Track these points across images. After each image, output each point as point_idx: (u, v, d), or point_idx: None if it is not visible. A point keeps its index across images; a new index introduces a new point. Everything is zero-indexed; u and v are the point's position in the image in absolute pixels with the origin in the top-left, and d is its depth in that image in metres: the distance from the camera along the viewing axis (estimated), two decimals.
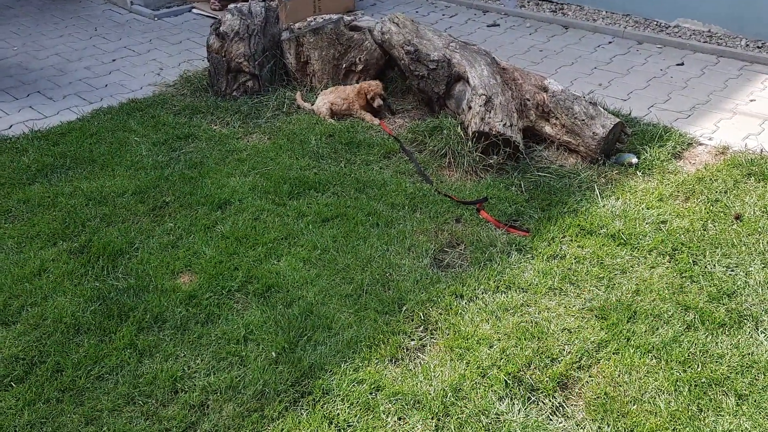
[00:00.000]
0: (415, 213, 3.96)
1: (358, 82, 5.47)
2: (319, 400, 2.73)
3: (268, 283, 3.32)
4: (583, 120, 4.50)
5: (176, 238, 3.65)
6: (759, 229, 3.74)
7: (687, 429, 2.63)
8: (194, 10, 7.60)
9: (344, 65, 5.48)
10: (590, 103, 4.58)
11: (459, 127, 4.65)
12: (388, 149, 4.65)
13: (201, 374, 2.83)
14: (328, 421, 2.65)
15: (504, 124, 4.40)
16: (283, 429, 2.62)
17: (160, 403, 2.70)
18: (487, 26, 7.21)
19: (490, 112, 4.47)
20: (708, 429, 2.63)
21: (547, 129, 4.67)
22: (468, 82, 4.76)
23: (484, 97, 4.54)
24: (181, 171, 4.29)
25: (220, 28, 5.33)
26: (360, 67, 5.45)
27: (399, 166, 4.50)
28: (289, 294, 3.26)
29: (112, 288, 3.27)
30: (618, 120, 4.53)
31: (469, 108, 4.60)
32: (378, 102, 5.09)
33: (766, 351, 2.97)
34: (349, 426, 2.65)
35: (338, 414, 2.68)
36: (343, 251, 3.58)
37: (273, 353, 2.92)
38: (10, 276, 3.33)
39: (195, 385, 2.77)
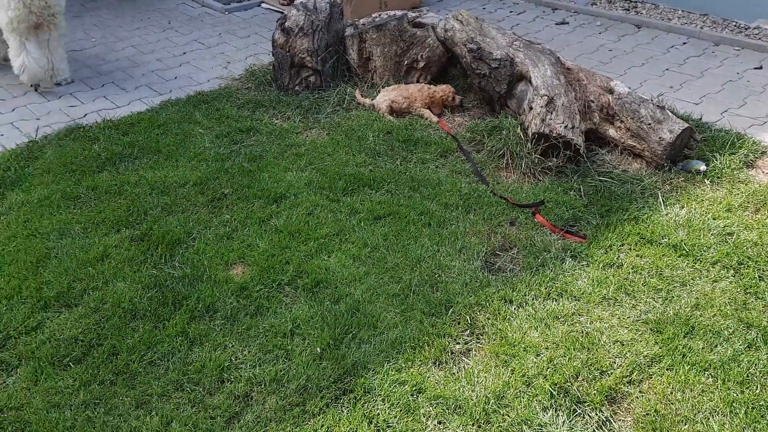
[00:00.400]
0: (468, 214, 3.92)
1: (419, 80, 5.45)
2: (360, 399, 2.75)
3: (318, 278, 3.35)
4: (650, 124, 4.33)
5: (232, 230, 3.73)
6: None
7: None
8: (263, 5, 7.74)
9: (406, 62, 5.46)
10: (658, 106, 4.41)
11: (519, 128, 4.56)
12: (446, 148, 4.61)
13: (247, 365, 2.89)
14: (368, 421, 2.66)
15: (565, 126, 4.30)
16: (323, 425, 2.64)
17: (206, 391, 2.78)
18: (556, 24, 7.05)
19: (551, 113, 4.37)
20: None
21: (611, 132, 4.53)
22: (530, 81, 4.66)
23: (545, 97, 4.44)
24: (241, 164, 4.38)
25: (285, 24, 5.41)
26: (422, 64, 5.42)
27: (455, 165, 4.45)
28: (337, 290, 3.29)
29: (169, 276, 3.37)
30: (687, 125, 4.34)
31: (530, 108, 4.51)
32: (459, 100, 5.13)
33: None
34: (388, 426, 2.65)
35: (378, 414, 2.69)
36: (394, 250, 3.58)
37: (318, 349, 2.95)
38: (75, 260, 3.48)
39: (241, 375, 2.84)
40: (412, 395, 2.77)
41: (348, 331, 3.05)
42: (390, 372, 2.85)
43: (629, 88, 4.56)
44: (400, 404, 2.73)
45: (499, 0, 7.82)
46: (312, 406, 2.71)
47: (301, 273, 3.41)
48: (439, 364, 2.93)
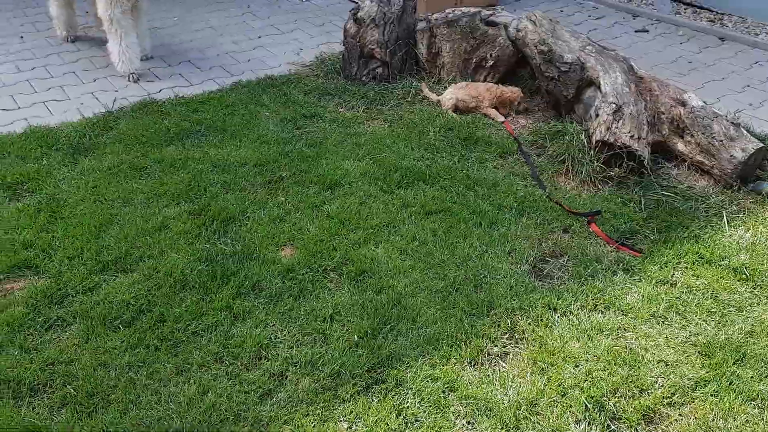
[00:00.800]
0: (521, 217, 3.87)
1: (486, 79, 5.40)
2: (391, 390, 2.76)
3: (363, 267, 3.38)
4: (721, 141, 4.16)
5: (285, 212, 3.81)
6: None
7: None
8: None
9: (474, 60, 5.42)
10: (732, 123, 4.23)
11: (583, 134, 4.46)
12: (506, 149, 4.56)
13: (285, 345, 2.95)
14: (396, 412, 2.67)
15: (631, 136, 4.18)
16: (352, 411, 2.67)
17: (244, 366, 2.85)
18: (635, 31, 6.84)
19: (618, 121, 4.26)
20: None
21: (680, 146, 4.37)
22: (599, 88, 4.55)
23: (613, 105, 4.32)
24: (301, 149, 4.45)
25: (358, 14, 5.46)
26: (490, 63, 5.37)
27: (514, 167, 4.40)
28: (380, 281, 3.31)
29: (220, 251, 3.47)
30: (762, 145, 4.15)
31: (597, 115, 4.40)
32: (509, 110, 5.04)
33: None
34: (417, 420, 2.66)
35: (408, 407, 2.70)
36: (441, 246, 3.57)
37: (355, 336, 2.99)
38: (135, 228, 3.63)
39: (278, 354, 2.90)
40: (444, 392, 2.77)
41: (387, 323, 3.07)
42: (424, 367, 2.86)
43: (703, 102, 4.39)
44: (430, 400, 2.73)
45: (577, 3, 7.65)
46: (343, 392, 2.74)
47: (347, 260, 3.45)
48: (474, 365, 2.92)
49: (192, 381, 2.77)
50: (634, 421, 2.67)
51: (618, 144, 4.17)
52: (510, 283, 3.35)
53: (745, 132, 4.21)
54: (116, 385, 2.74)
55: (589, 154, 4.32)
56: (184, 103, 5.10)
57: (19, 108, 5.00)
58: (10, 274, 3.32)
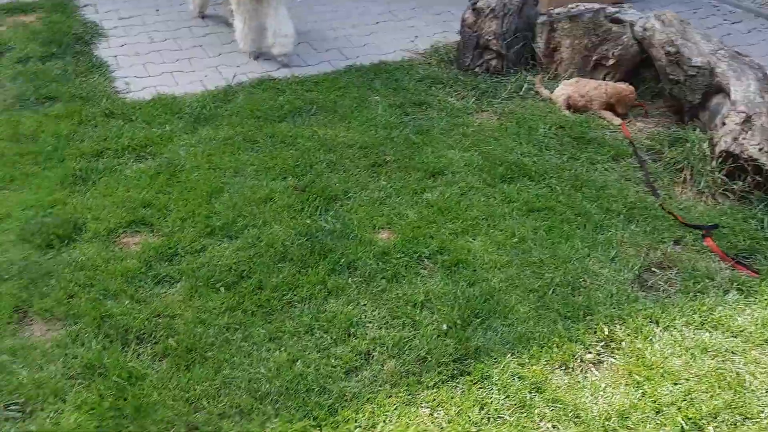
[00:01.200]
0: (630, 224, 3.70)
1: (605, 77, 5.19)
2: (476, 383, 2.73)
3: (458, 258, 3.35)
4: None
5: (386, 196, 3.83)
6: None
7: None
8: None
9: (594, 57, 5.21)
10: None
11: (706, 143, 4.20)
12: (619, 152, 4.37)
13: (374, 326, 2.98)
14: (479, 406, 2.64)
15: (760, 149, 3.88)
16: (435, 399, 2.66)
17: (333, 341, 2.91)
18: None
19: (746, 132, 3.97)
20: None
21: None
22: (728, 95, 4.26)
23: (743, 114, 4.03)
24: (408, 135, 4.47)
25: (477, 3, 5.39)
26: (611, 62, 5.14)
27: (626, 171, 4.21)
28: (475, 273, 3.27)
29: (320, 228, 3.55)
30: None
31: (723, 124, 4.12)
32: (623, 110, 4.80)
33: None
34: (499, 417, 2.61)
35: (492, 402, 2.66)
36: (541, 245, 3.48)
37: (444, 325, 2.97)
38: (243, 198, 3.78)
39: (366, 334, 2.93)
40: (530, 393, 2.70)
41: (477, 315, 3.03)
42: (511, 364, 2.80)
43: None
44: (516, 398, 2.68)
45: (713, 6, 7.18)
46: (428, 379, 2.74)
47: (443, 249, 3.43)
48: (564, 369, 2.83)
49: (283, 349, 2.85)
50: None
51: (744, 156, 3.89)
52: (611, 291, 3.22)
53: None
54: (213, 343, 2.87)
55: (710, 164, 4.06)
56: (299, 82, 5.23)
57: (149, 76, 5.31)
58: (128, 229, 3.55)
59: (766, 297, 3.21)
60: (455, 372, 2.78)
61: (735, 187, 3.93)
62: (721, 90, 4.37)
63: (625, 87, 4.89)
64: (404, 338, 2.91)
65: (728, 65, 4.39)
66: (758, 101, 4.11)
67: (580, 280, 3.28)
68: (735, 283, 3.29)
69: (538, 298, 3.15)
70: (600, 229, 3.64)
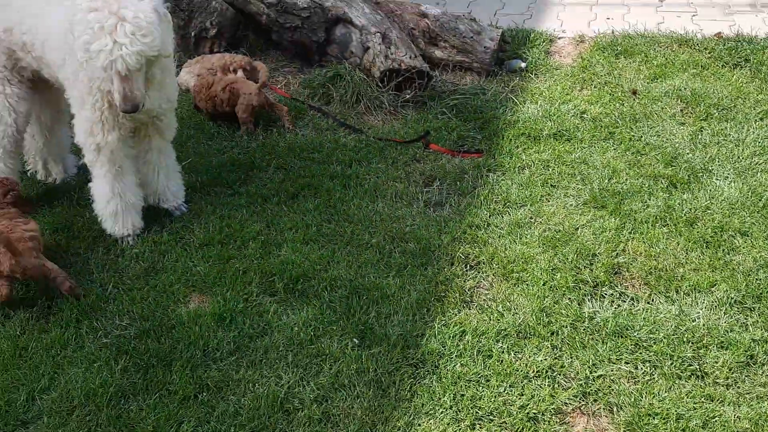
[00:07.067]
0: (376, 163, 3.86)
1: (212, 50, 4.98)
2: None
3: None
4: (472, 37, 4.67)
5: None
6: (656, 98, 4.32)
7: None
8: None
9: (193, 33, 4.93)
10: (471, 20, 4.76)
11: (356, 71, 4.53)
12: (298, 111, 4.39)
13: None
14: None
15: (411, 57, 4.40)
16: None
17: None
18: None
19: (390, 47, 4.43)
20: None
21: (438, 53, 4.76)
22: (352, 23, 4.62)
23: (378, 35, 4.47)
24: None
25: None
26: (213, 32, 4.95)
27: (317, 123, 4.29)
28: None
29: None
30: (501, 30, 4.79)
31: (366, 49, 4.50)
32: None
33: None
34: None
35: None
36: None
37: None
38: None
39: None
40: None
41: None
42: None
43: (441, 9, 4.81)
44: None
45: None
46: None
47: None
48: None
49: None
50: None
51: (403, 68, 4.36)
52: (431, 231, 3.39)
53: (484, 24, 4.79)
54: None
55: (377, 87, 4.43)
56: None
57: None
58: None
59: (507, 167, 3.80)
60: None
61: (408, 96, 4.40)
62: (340, 20, 4.69)
63: (237, 56, 4.68)
64: None
65: None
66: (380, 19, 4.59)
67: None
68: (481, 168, 3.80)
69: None
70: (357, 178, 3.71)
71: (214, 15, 4.91)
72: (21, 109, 3.38)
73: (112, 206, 3.22)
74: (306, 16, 4.70)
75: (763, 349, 2.66)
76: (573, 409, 2.50)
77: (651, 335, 2.74)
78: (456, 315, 2.88)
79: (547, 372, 2.62)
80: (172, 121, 3.39)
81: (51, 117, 3.67)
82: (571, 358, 2.67)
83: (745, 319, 2.80)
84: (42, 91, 3.53)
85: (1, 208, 3.07)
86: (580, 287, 2.98)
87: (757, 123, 4.03)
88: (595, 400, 2.52)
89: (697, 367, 2.60)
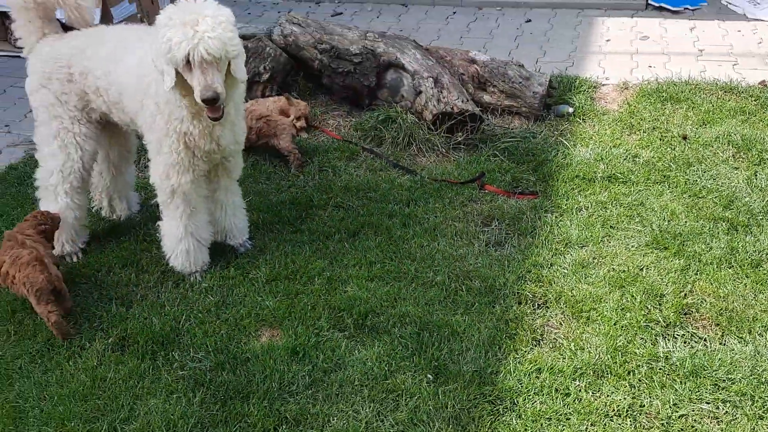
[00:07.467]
0: (432, 203, 3.91)
1: (264, 94, 5.11)
2: None
3: None
4: (521, 82, 4.77)
5: None
6: (707, 143, 4.37)
7: None
8: None
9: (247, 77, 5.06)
10: (519, 65, 4.87)
11: (408, 114, 4.63)
12: (351, 152, 4.48)
13: None
14: None
15: (463, 101, 4.50)
16: None
17: None
18: (331, 16, 7.15)
19: (442, 91, 4.53)
20: None
21: (486, 98, 4.86)
22: (404, 68, 4.74)
23: (431, 79, 4.57)
24: None
25: None
26: (266, 76, 5.08)
27: (370, 164, 4.37)
28: None
29: None
30: (549, 76, 4.89)
31: (418, 92, 4.60)
32: (302, 123, 4.76)
33: None
34: None
35: None
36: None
37: None
38: None
39: None
40: None
41: None
42: None
43: (489, 56, 4.94)
44: None
45: (257, 3, 7.61)
46: None
47: None
48: None
49: None
50: None
51: (455, 111, 4.45)
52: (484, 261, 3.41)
53: (531, 70, 4.90)
54: None
55: (428, 130, 4.52)
56: None
57: None
58: None
59: (564, 208, 3.84)
60: None
61: (460, 139, 4.49)
62: (391, 65, 4.82)
63: (300, 102, 4.85)
64: None
65: (385, 43, 4.85)
66: (431, 64, 4.71)
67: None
68: (538, 209, 3.84)
69: None
70: (426, 224, 3.75)
71: (268, 60, 5.05)
72: (88, 148, 3.46)
73: (185, 245, 3.28)
74: (358, 62, 4.84)
75: None
76: None
77: (729, 375, 2.72)
78: (529, 353, 2.87)
79: (627, 411, 2.60)
80: (239, 161, 3.46)
81: (118, 156, 3.77)
82: (651, 397, 2.65)
83: None
84: (110, 131, 3.63)
85: (32, 239, 3.17)
86: (651, 327, 2.98)
87: None
88: None
89: None
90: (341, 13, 7.22)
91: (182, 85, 2.90)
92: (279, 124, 4.43)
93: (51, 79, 3.30)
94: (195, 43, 2.72)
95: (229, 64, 2.90)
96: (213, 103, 2.84)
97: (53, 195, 3.44)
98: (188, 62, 2.78)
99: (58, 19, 3.49)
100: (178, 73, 2.84)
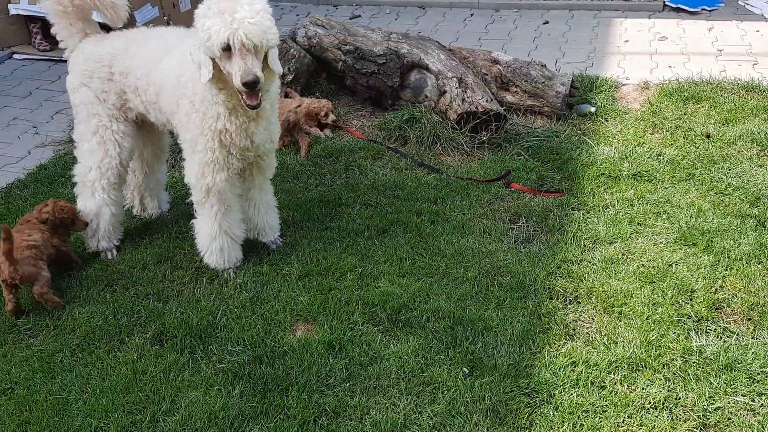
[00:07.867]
0: (459, 201, 3.94)
1: (287, 95, 5.17)
2: None
3: None
4: (543, 82, 4.81)
5: None
6: (730, 142, 4.39)
7: None
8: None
9: None
10: (542, 66, 4.91)
11: (432, 114, 4.67)
12: (376, 152, 4.52)
13: None
14: None
15: (487, 100, 4.54)
16: None
17: None
18: (350, 18, 7.21)
19: (466, 91, 4.57)
20: None
21: (509, 98, 4.90)
22: (428, 69, 4.78)
23: (455, 79, 4.61)
24: None
25: None
26: (290, 77, 5.14)
27: (396, 162, 4.41)
28: None
29: None
30: (570, 75, 4.92)
31: (442, 92, 4.64)
32: (332, 117, 4.83)
33: None
34: None
35: None
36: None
37: None
38: None
39: None
40: None
41: None
42: None
43: (512, 56, 4.97)
44: None
45: (273, 5, 7.68)
46: None
47: None
48: None
49: None
50: None
51: (480, 110, 4.48)
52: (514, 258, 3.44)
53: (553, 70, 4.93)
54: None
55: (452, 129, 4.55)
56: None
57: None
58: None
59: (588, 204, 3.87)
60: None
61: (484, 138, 4.52)
62: (415, 66, 4.86)
63: (322, 101, 4.90)
64: None
65: (409, 44, 4.89)
66: (455, 64, 4.75)
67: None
68: (566, 207, 3.87)
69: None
70: (453, 222, 3.79)
71: (292, 62, 5.10)
72: (126, 145, 3.51)
73: (219, 242, 3.32)
74: (382, 63, 4.88)
75: None
76: None
77: (764, 369, 2.74)
78: (563, 347, 2.90)
79: (663, 403, 2.62)
80: (272, 160, 3.50)
81: (152, 154, 3.82)
82: (686, 390, 2.68)
83: None
84: (145, 130, 3.69)
85: (27, 226, 3.33)
86: (683, 322, 3.00)
87: None
88: None
89: None
90: (359, 16, 7.28)
91: (219, 77, 2.94)
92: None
93: (92, 78, 3.36)
94: (235, 29, 2.74)
95: (265, 57, 2.93)
96: (253, 86, 2.82)
97: (91, 191, 3.49)
98: (226, 50, 2.80)
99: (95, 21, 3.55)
100: (215, 66, 2.88)
